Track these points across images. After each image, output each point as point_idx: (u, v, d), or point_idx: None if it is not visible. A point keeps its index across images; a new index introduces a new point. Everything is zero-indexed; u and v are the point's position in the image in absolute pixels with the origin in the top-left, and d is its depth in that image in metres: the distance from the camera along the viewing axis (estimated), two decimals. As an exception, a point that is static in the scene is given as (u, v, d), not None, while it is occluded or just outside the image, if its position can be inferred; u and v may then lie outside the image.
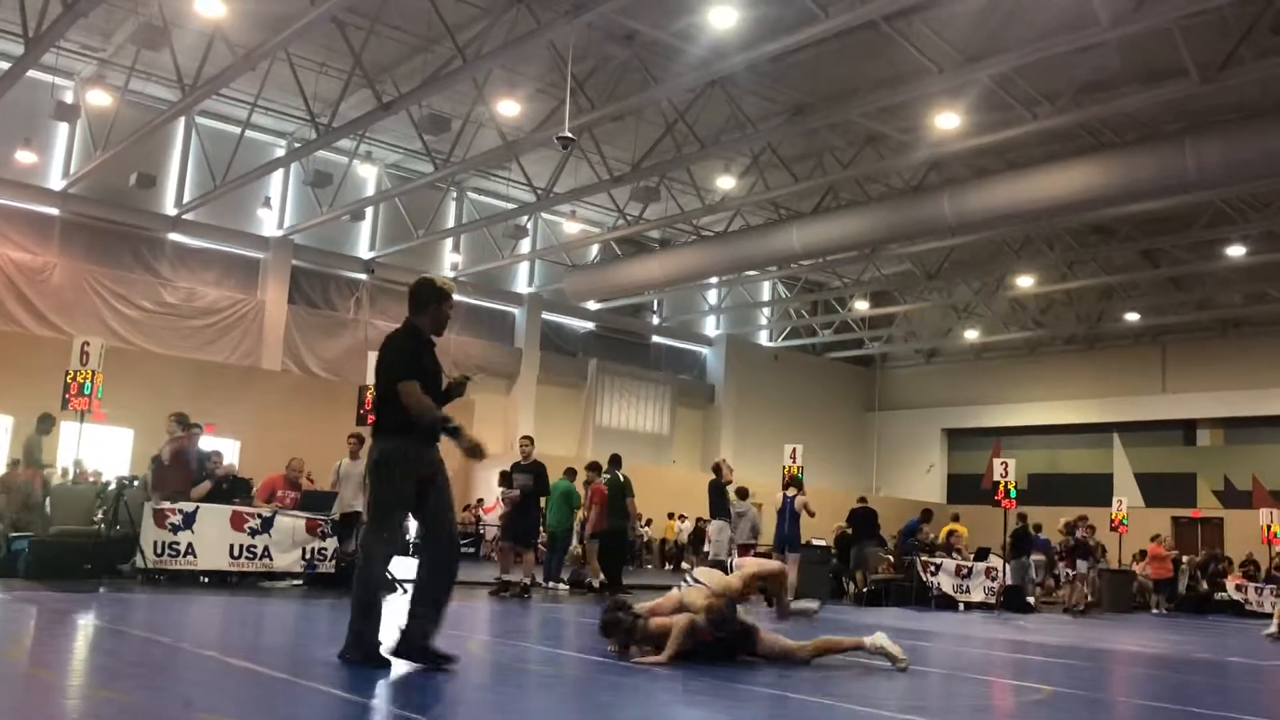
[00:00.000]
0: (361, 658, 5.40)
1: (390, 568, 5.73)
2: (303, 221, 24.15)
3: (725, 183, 22.53)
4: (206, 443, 12.97)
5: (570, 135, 15.24)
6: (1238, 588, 22.02)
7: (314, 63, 19.01)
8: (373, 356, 13.07)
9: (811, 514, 14.60)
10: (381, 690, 5.06)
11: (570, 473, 14.30)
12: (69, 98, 20.40)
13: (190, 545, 11.14)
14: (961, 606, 16.72)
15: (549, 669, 6.39)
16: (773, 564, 6.66)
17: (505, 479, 13.28)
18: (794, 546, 14.46)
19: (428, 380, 5.60)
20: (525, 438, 13.71)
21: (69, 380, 12.40)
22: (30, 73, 17.53)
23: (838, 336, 35.21)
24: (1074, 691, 7.20)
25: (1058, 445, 33.36)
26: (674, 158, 19.50)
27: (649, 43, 16.94)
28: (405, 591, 5.51)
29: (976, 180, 19.37)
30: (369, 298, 26.30)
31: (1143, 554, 22.25)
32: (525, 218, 25.58)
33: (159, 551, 10.96)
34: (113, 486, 12.27)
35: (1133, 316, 29.87)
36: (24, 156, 20.75)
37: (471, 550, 22.97)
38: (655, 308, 32.84)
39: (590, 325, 31.25)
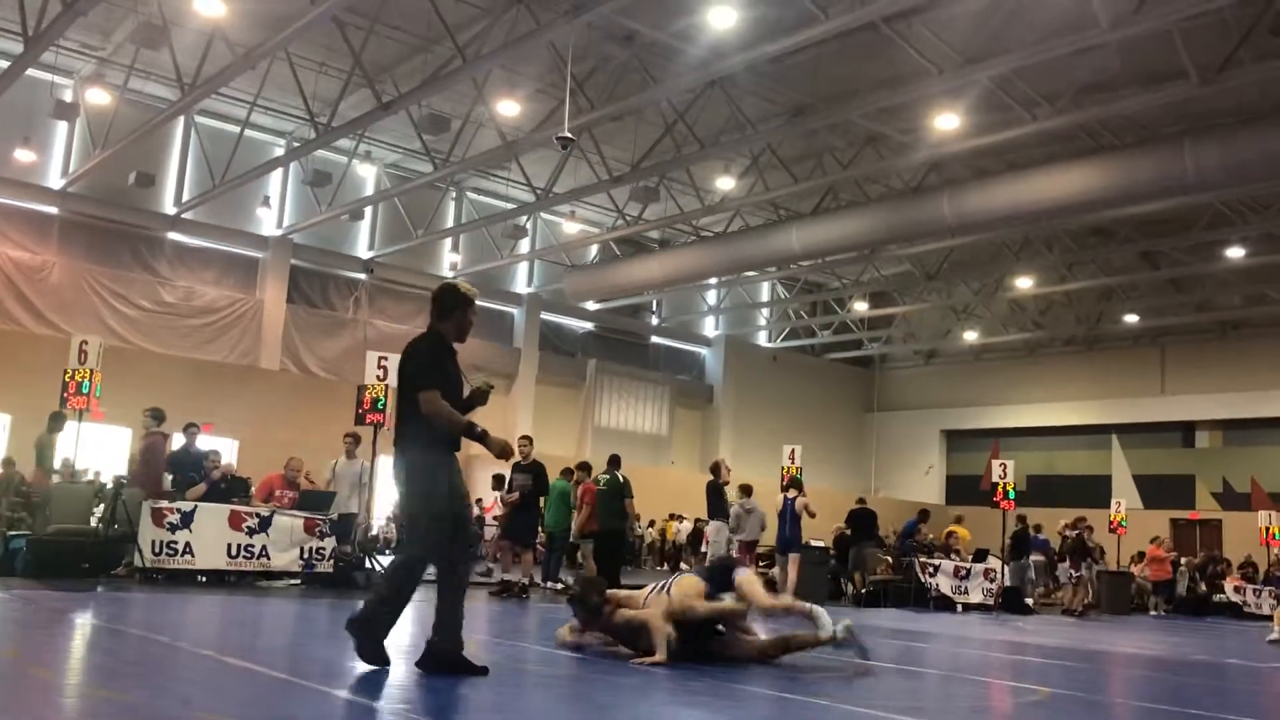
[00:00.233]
0: (366, 644, 5.37)
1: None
2: (302, 221, 24.15)
3: (725, 183, 22.53)
4: (205, 442, 12.95)
5: (570, 135, 15.23)
6: (1236, 590, 22.01)
7: (314, 62, 19.01)
8: (372, 356, 13.22)
9: (812, 515, 14.62)
10: (380, 690, 5.05)
11: (568, 473, 14.29)
12: (68, 96, 20.41)
13: (188, 544, 11.13)
14: (960, 608, 16.71)
15: (548, 669, 6.38)
16: (738, 607, 6.75)
17: (499, 482, 13.26)
18: (795, 548, 14.48)
19: (450, 387, 5.54)
20: (524, 438, 13.70)
21: (67, 379, 12.40)
22: (29, 71, 17.53)
23: (837, 337, 35.21)
24: (1072, 693, 7.19)
25: (1056, 447, 33.36)
26: (673, 158, 19.50)
27: (649, 43, 16.95)
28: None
29: (976, 181, 19.38)
30: (368, 297, 26.31)
31: (1141, 555, 22.24)
32: (524, 218, 25.59)
33: (157, 550, 10.95)
34: (109, 486, 12.25)
35: (1132, 318, 29.89)
36: (23, 155, 20.76)
37: (470, 549, 22.92)
38: (654, 308, 32.85)
39: (589, 325, 31.26)
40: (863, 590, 16.64)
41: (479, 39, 15.83)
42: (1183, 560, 23.12)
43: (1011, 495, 17.68)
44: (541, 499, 13.33)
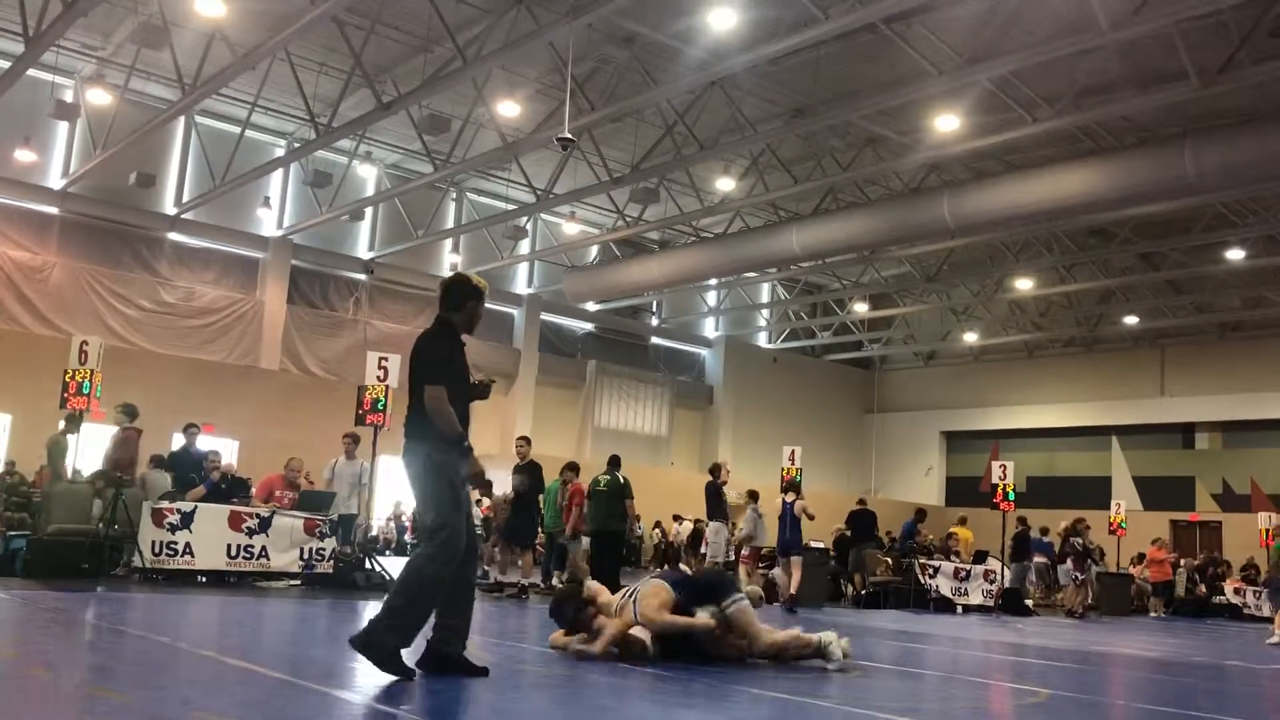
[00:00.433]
0: (387, 657, 5.20)
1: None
2: (302, 221, 24.14)
3: (725, 184, 22.53)
4: (205, 442, 12.96)
5: (570, 136, 15.23)
6: (1236, 591, 22.02)
7: (314, 63, 19.02)
8: (372, 357, 13.22)
9: (811, 517, 14.63)
10: (378, 690, 5.04)
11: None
12: (69, 97, 20.40)
13: (188, 545, 11.14)
14: (960, 609, 16.73)
15: (548, 670, 6.38)
16: (708, 624, 6.62)
17: (484, 486, 13.22)
18: (796, 550, 14.49)
19: (457, 378, 5.51)
20: (521, 438, 13.71)
21: (68, 379, 12.40)
22: (30, 72, 17.53)
23: (837, 338, 35.20)
24: (1071, 694, 7.20)
25: (1056, 448, 33.34)
26: (673, 159, 19.51)
27: (649, 44, 16.95)
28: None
29: (976, 183, 19.38)
30: (368, 298, 26.31)
31: (1141, 557, 22.25)
32: (524, 218, 25.60)
33: (157, 551, 10.96)
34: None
35: (1131, 319, 29.88)
36: (23, 155, 20.75)
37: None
38: (654, 309, 32.84)
39: (589, 326, 31.25)
40: (863, 591, 16.65)
41: (479, 39, 15.84)
42: (1182, 562, 23.14)
43: (1011, 496, 17.70)
44: (541, 499, 13.36)
